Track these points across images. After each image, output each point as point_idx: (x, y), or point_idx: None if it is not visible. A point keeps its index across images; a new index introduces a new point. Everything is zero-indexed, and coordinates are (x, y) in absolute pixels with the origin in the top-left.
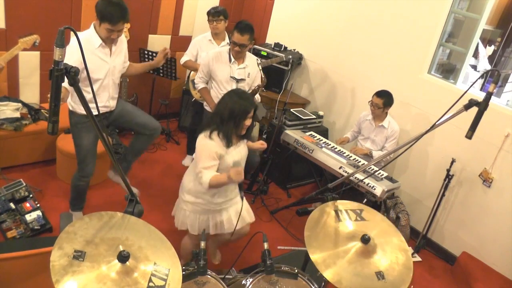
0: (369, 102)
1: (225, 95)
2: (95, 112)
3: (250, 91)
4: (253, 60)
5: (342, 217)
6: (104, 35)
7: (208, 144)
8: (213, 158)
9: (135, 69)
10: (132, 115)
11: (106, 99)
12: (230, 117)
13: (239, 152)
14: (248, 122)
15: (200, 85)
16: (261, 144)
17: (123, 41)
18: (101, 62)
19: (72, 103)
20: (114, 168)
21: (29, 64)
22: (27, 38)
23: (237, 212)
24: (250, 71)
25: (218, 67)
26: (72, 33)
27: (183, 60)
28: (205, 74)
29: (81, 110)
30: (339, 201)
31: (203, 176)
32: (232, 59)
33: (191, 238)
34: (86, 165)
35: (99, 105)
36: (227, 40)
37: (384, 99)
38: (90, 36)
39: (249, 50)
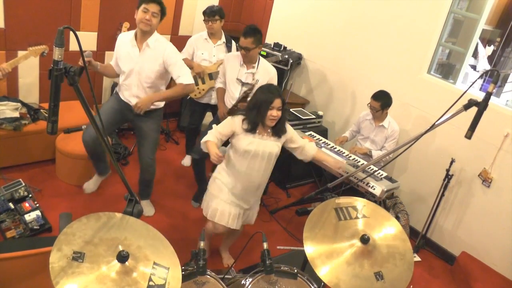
0: (368, 104)
1: (257, 89)
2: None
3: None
4: (267, 69)
5: (342, 216)
6: (140, 17)
7: (231, 119)
8: (225, 129)
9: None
10: (144, 139)
11: (128, 93)
12: (254, 105)
13: (259, 143)
14: (273, 112)
15: (217, 84)
16: (338, 168)
17: (163, 52)
18: (128, 56)
19: (118, 86)
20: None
21: (29, 64)
22: (37, 48)
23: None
24: (260, 78)
25: (229, 69)
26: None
27: None
28: (222, 75)
29: (121, 94)
30: (339, 198)
31: (209, 132)
32: (242, 62)
33: (214, 229)
34: (88, 126)
35: (126, 95)
36: (223, 39)
37: (381, 102)
38: (131, 33)
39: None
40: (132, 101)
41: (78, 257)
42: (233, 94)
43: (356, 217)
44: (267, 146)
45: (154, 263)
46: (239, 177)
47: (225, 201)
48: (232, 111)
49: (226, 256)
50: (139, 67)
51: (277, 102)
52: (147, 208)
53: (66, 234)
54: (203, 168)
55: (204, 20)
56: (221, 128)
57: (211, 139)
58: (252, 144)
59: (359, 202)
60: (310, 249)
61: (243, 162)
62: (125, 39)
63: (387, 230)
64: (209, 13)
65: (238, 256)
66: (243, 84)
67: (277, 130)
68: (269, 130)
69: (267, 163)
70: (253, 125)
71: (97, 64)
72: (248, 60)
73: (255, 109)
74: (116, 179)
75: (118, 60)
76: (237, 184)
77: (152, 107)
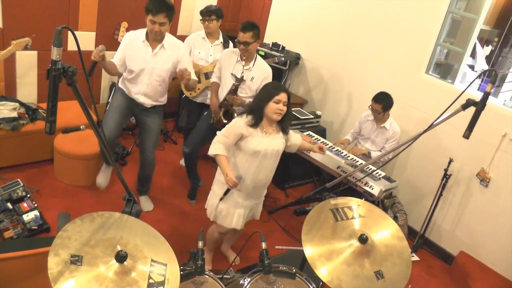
0: (369, 107)
1: (262, 86)
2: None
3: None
4: (262, 67)
5: (339, 216)
6: (148, 27)
7: (236, 121)
8: (232, 133)
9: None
10: (148, 133)
11: (136, 91)
12: (257, 100)
13: (267, 143)
14: (276, 105)
15: (212, 79)
16: (319, 149)
17: (178, 51)
18: (139, 57)
19: (120, 81)
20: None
21: (26, 63)
22: (19, 41)
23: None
24: (255, 76)
25: (225, 64)
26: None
27: None
28: (218, 70)
29: (127, 91)
30: (335, 199)
31: (217, 141)
32: (239, 59)
33: (219, 228)
34: (106, 122)
35: (132, 92)
36: (221, 39)
37: (382, 104)
38: (141, 32)
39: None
40: (140, 99)
41: (76, 260)
42: (227, 88)
43: (353, 217)
44: (274, 144)
45: (152, 261)
46: (247, 176)
47: (230, 203)
48: (223, 105)
49: (231, 255)
50: (151, 67)
51: (283, 96)
52: (146, 203)
53: (62, 238)
54: (194, 162)
55: (201, 20)
56: (227, 134)
57: (221, 153)
58: (261, 144)
59: (354, 202)
60: (310, 251)
61: (252, 163)
62: (135, 38)
63: (384, 229)
64: (206, 13)
65: (237, 256)
66: (236, 79)
67: (284, 127)
68: (275, 127)
69: (275, 161)
70: (256, 119)
71: (106, 60)
72: (248, 56)
73: (258, 103)
74: (115, 179)
75: (127, 59)
76: (245, 184)
77: (156, 103)
